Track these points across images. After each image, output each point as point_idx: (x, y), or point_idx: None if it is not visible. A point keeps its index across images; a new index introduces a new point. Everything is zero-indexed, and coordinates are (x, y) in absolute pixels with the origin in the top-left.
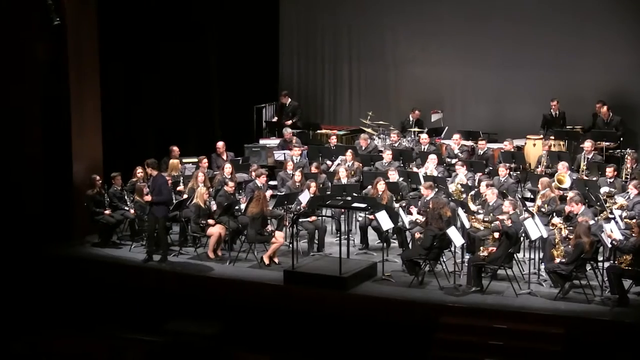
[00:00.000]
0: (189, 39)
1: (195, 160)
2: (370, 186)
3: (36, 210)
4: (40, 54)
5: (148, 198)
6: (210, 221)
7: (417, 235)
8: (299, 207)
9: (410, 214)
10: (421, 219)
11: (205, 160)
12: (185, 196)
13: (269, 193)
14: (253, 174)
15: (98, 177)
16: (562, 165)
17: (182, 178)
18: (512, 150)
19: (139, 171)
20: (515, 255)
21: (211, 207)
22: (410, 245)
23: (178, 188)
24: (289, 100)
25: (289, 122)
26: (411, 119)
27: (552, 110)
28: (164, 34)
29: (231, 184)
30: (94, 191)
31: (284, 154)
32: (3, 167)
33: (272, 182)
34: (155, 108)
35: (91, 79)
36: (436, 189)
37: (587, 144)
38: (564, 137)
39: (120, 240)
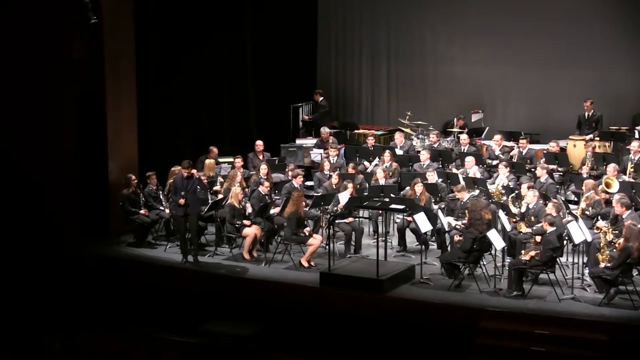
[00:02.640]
0: (226, 37)
1: (231, 159)
2: (408, 187)
3: (71, 209)
4: (76, 53)
5: (182, 202)
6: (246, 222)
7: (457, 237)
8: (336, 209)
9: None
10: (460, 224)
11: (241, 159)
12: (220, 196)
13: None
14: (289, 174)
15: (133, 177)
16: (612, 168)
17: (218, 178)
18: (556, 151)
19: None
20: (558, 259)
21: (246, 207)
22: (449, 248)
23: (214, 188)
24: (321, 98)
25: (307, 117)
26: (455, 123)
27: (585, 110)
28: (200, 33)
29: (267, 184)
30: (129, 190)
31: (321, 154)
32: (38, 166)
33: (308, 183)
34: (190, 107)
35: (127, 78)
36: (475, 191)
37: (635, 145)
38: (609, 138)
39: (156, 240)
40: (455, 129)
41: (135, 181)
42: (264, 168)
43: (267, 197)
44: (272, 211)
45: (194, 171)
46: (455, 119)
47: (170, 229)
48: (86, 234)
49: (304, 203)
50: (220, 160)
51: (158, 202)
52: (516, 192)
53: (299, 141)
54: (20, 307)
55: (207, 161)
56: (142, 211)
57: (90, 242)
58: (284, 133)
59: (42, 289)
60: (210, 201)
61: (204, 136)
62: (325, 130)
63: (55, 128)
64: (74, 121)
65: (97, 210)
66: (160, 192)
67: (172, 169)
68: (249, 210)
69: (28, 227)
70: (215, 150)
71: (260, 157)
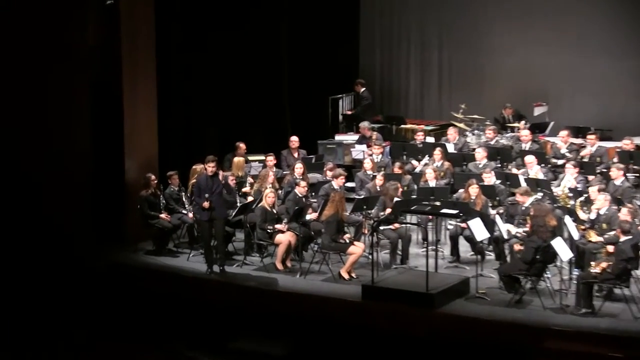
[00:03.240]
0: (257, 22)
1: (262, 157)
2: (462, 190)
3: (83, 213)
4: (90, 38)
5: (206, 205)
6: (280, 226)
7: (517, 247)
8: (382, 213)
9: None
10: (521, 232)
11: (274, 157)
12: (250, 198)
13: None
14: (328, 174)
15: (153, 177)
16: None
17: (248, 178)
18: (632, 149)
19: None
20: (633, 272)
21: (279, 211)
22: (508, 259)
23: (243, 189)
24: (363, 89)
25: (349, 111)
26: (505, 115)
27: None
28: (228, 17)
29: (303, 183)
30: (148, 192)
31: (363, 151)
32: (46, 165)
33: (349, 184)
34: (217, 99)
35: (146, 66)
36: (538, 194)
37: None
38: None
39: (178, 247)
40: (516, 123)
41: (155, 181)
42: (299, 167)
43: (302, 199)
44: (308, 216)
45: (219, 171)
46: (502, 109)
47: (194, 235)
48: (100, 240)
49: (344, 206)
50: (250, 158)
51: (180, 205)
52: (585, 195)
53: (338, 137)
54: (24, 318)
55: (236, 159)
56: (162, 215)
57: (105, 249)
58: (322, 128)
59: (49, 300)
60: (238, 204)
61: (232, 132)
62: (367, 125)
63: (66, 122)
64: (87, 115)
65: (113, 214)
66: (183, 193)
67: (194, 167)
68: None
69: (34, 231)
70: (242, 146)
71: (295, 154)
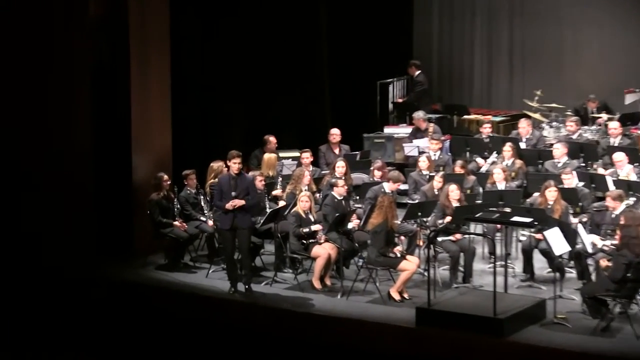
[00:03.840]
0: None
1: (297, 154)
2: (538, 193)
3: (83, 220)
4: (92, 11)
5: (236, 203)
6: (320, 235)
7: (604, 263)
8: (440, 222)
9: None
10: (609, 245)
11: (310, 154)
12: (282, 203)
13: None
14: (376, 174)
15: (166, 177)
16: None
17: (279, 179)
18: None
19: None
20: None
21: (315, 217)
22: (593, 277)
23: (273, 192)
24: (418, 72)
25: (401, 99)
26: (589, 108)
27: None
28: None
29: (341, 182)
30: (160, 195)
31: (418, 147)
32: (41, 163)
33: (401, 186)
34: (242, 85)
35: (158, 45)
36: (630, 199)
37: None
38: None
39: (195, 261)
40: (602, 113)
41: (169, 182)
42: (340, 165)
43: (342, 203)
44: (351, 224)
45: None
46: (586, 101)
47: (214, 247)
48: (101, 252)
49: (395, 213)
50: (282, 154)
51: (198, 211)
52: None
53: (388, 130)
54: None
55: (266, 156)
56: (176, 222)
57: (107, 263)
58: (369, 119)
59: (49, 319)
60: (267, 210)
61: (260, 124)
62: (423, 115)
63: (62, 112)
64: (88, 103)
65: (117, 221)
66: (202, 197)
67: (213, 164)
68: (316, 222)
69: (20, 240)
70: (273, 140)
71: (336, 150)
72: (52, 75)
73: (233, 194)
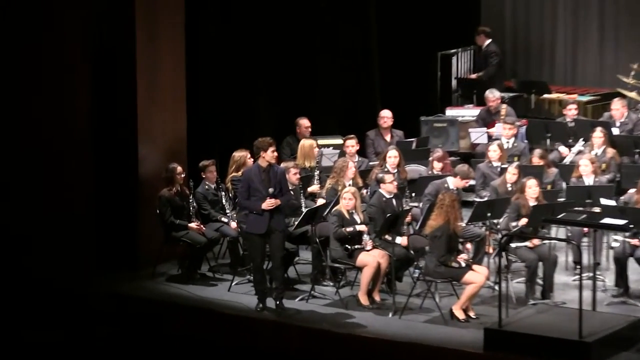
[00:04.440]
0: None
1: (339, 141)
2: (634, 190)
3: (82, 222)
4: None
5: (275, 202)
6: (367, 240)
7: None
8: (514, 224)
9: None
10: None
11: (356, 141)
12: (321, 201)
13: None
14: (435, 165)
15: (179, 168)
16: None
17: (317, 172)
18: None
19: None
20: None
21: (362, 218)
22: None
23: (310, 188)
24: (487, 41)
25: (474, 75)
26: None
27: None
28: None
29: (389, 177)
30: (172, 191)
31: (487, 133)
32: (38, 152)
33: None
34: (271, 61)
35: (171, 16)
36: None
37: None
38: None
39: (215, 272)
40: None
41: (183, 176)
42: (393, 155)
43: (394, 203)
44: (405, 227)
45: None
46: None
47: (238, 254)
48: (102, 260)
49: (458, 214)
50: (321, 142)
51: (219, 210)
52: None
53: (450, 112)
54: None
55: (304, 143)
56: (192, 224)
57: (108, 274)
58: (427, 99)
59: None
60: (303, 209)
61: (293, 105)
62: (495, 94)
63: (57, 95)
64: (86, 81)
65: (120, 223)
66: (223, 193)
67: (235, 154)
68: (362, 224)
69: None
70: (304, 123)
71: (387, 137)
72: (43, 51)
73: (271, 190)
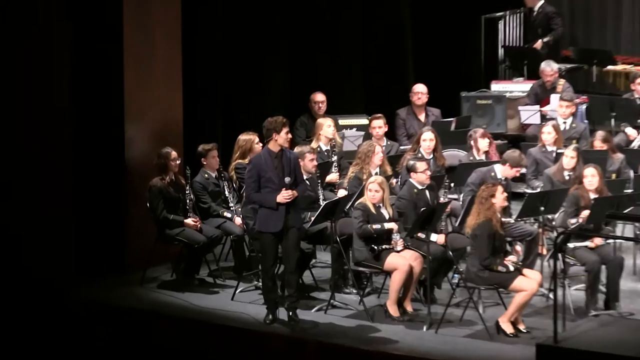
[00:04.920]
0: None
1: (363, 121)
2: None
3: (60, 216)
4: None
5: (291, 194)
6: (397, 239)
7: None
8: (575, 220)
9: None
10: None
11: (384, 122)
12: (342, 193)
13: None
14: (480, 144)
15: (174, 153)
16: None
17: (333, 156)
18: None
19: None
20: None
21: (392, 213)
22: None
23: (329, 176)
24: (540, 2)
25: (538, 43)
26: None
27: None
28: None
29: (421, 165)
30: (165, 180)
31: (540, 112)
32: (10, 133)
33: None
34: (283, 26)
35: None
36: None
37: None
38: None
39: (216, 277)
40: None
41: (179, 162)
42: (428, 138)
43: (428, 196)
44: (443, 223)
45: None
46: None
47: (244, 255)
48: (82, 263)
49: (503, 205)
50: (342, 121)
51: (221, 204)
52: None
53: (497, 86)
54: None
55: (321, 122)
56: (189, 220)
57: (90, 278)
58: (469, 71)
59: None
60: (321, 202)
61: (308, 78)
62: (552, 67)
63: (35, 67)
64: (66, 53)
65: (104, 218)
66: (226, 182)
67: (241, 137)
68: (390, 221)
69: None
70: (319, 98)
71: (421, 116)
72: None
73: (287, 180)
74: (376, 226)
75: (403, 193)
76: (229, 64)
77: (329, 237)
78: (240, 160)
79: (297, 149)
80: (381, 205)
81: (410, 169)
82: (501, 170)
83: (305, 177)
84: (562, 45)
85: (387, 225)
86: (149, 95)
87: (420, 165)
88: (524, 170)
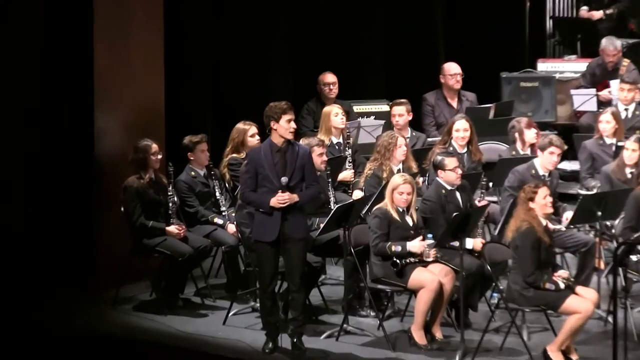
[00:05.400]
0: None
1: (384, 108)
2: None
3: (13, 223)
4: None
5: (288, 198)
6: (429, 250)
7: None
8: None
9: None
10: None
11: (407, 108)
12: (358, 194)
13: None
14: (527, 135)
15: (155, 147)
16: None
17: (348, 150)
18: None
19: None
20: None
21: (416, 219)
22: None
23: (341, 175)
24: None
25: (597, 13)
26: None
27: None
28: None
29: (451, 162)
30: (144, 179)
31: (597, 96)
32: None
33: (565, 164)
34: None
35: None
36: None
37: None
38: None
39: (205, 297)
40: None
41: (159, 157)
42: (462, 128)
43: (459, 198)
44: (479, 230)
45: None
46: None
47: (239, 271)
48: (45, 280)
49: (545, 211)
50: (357, 108)
51: (211, 208)
52: None
53: (544, 66)
54: None
55: (327, 111)
56: (172, 227)
57: (52, 299)
58: (511, 48)
59: None
60: (332, 205)
61: (316, 57)
62: (615, 45)
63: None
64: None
65: (69, 227)
66: (217, 182)
67: (239, 126)
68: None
69: None
70: (330, 79)
71: (453, 102)
72: None
73: (284, 180)
74: (396, 247)
75: (430, 195)
76: (221, 40)
77: (342, 248)
78: (234, 155)
79: (302, 142)
80: (405, 211)
81: (438, 166)
82: (540, 163)
83: None
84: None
85: (411, 247)
86: (123, 78)
87: (450, 162)
88: (576, 167)
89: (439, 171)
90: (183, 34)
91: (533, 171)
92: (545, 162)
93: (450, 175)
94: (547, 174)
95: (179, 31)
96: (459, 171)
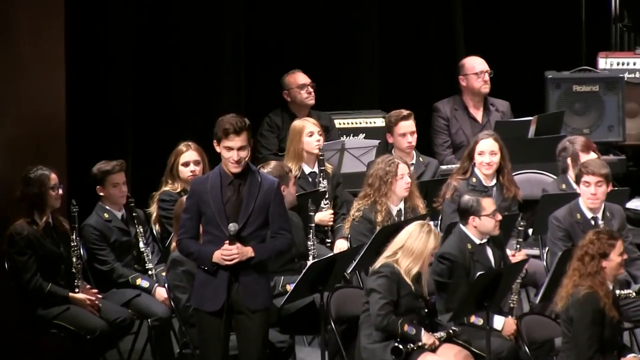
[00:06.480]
0: None
1: (378, 121)
2: None
3: None
4: None
5: (237, 252)
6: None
7: None
8: None
9: None
10: None
11: (411, 121)
12: (340, 244)
13: None
14: (575, 163)
15: (54, 177)
16: None
17: (323, 182)
18: None
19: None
20: None
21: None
22: None
23: (316, 217)
24: None
25: None
26: None
27: None
28: None
29: (488, 205)
30: (39, 224)
31: None
32: None
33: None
34: None
35: None
36: None
37: None
38: None
39: None
40: None
41: (60, 192)
42: (488, 150)
43: (491, 253)
44: (514, 296)
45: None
46: None
47: (171, 351)
48: None
49: (620, 271)
50: (339, 123)
51: (131, 264)
52: None
53: (607, 61)
54: None
55: (297, 126)
56: (79, 294)
57: None
58: (559, 39)
59: None
60: (310, 259)
61: (277, 54)
62: None
63: None
64: None
65: None
66: (140, 228)
67: (180, 148)
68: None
69: None
70: (301, 80)
71: (477, 112)
72: None
73: (232, 226)
74: (410, 329)
75: (448, 250)
76: (148, 33)
77: (319, 322)
78: (167, 189)
79: (265, 170)
80: (420, 276)
81: (470, 211)
82: (582, 200)
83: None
84: None
85: (427, 340)
86: (11, 86)
87: (487, 204)
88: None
89: (472, 217)
90: (99, 18)
91: (578, 215)
92: (584, 198)
93: (487, 224)
94: (599, 216)
95: (91, 15)
96: (499, 217)
